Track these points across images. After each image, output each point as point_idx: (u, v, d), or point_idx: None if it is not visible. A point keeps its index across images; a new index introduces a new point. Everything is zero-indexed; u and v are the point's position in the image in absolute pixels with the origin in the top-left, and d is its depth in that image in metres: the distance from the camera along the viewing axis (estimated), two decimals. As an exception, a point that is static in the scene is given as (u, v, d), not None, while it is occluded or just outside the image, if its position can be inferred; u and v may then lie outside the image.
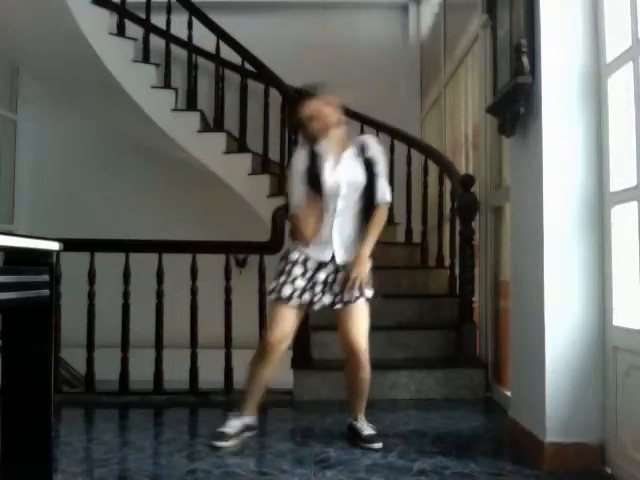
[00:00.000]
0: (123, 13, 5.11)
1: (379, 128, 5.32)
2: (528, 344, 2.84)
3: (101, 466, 2.64)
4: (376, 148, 3.00)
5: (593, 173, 2.63)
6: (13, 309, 1.91)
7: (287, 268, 2.89)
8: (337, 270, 2.89)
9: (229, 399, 3.71)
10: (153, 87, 5.12)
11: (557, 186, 2.64)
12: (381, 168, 2.96)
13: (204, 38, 5.23)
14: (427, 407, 3.72)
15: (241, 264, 5.94)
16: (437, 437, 3.10)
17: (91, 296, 3.90)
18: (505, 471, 2.61)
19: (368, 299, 2.91)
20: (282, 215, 3.78)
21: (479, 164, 4.24)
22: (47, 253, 2.05)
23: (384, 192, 2.95)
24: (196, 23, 5.17)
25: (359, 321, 2.88)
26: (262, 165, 5.11)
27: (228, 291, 3.96)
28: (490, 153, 3.98)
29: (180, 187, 6.23)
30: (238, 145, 5.22)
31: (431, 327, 4.27)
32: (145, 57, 5.14)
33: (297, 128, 3.10)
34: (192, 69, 5.26)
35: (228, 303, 3.97)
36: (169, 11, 5.21)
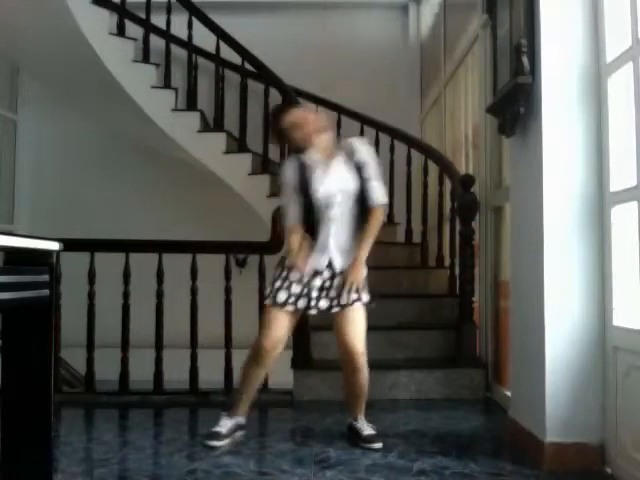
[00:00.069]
0: (123, 13, 5.11)
1: (379, 128, 5.33)
2: (528, 344, 2.84)
3: (101, 466, 2.64)
4: (364, 150, 2.95)
5: (593, 173, 2.63)
6: (13, 309, 1.91)
7: (283, 274, 2.90)
8: (333, 276, 2.89)
9: (229, 399, 3.70)
10: (153, 87, 5.11)
11: (557, 186, 2.64)
12: (372, 170, 2.92)
13: (204, 38, 5.22)
14: (427, 407, 3.72)
15: (241, 264, 5.95)
16: (437, 437, 3.10)
17: (91, 296, 3.90)
18: (505, 471, 2.61)
19: (365, 303, 2.91)
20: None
21: (479, 164, 4.24)
22: (47, 253, 2.05)
23: (377, 195, 2.92)
24: (196, 23, 5.16)
25: (356, 324, 2.87)
26: (262, 165, 5.11)
27: (228, 291, 3.96)
28: (490, 153, 3.98)
29: (180, 187, 6.23)
30: (238, 145, 5.22)
31: (431, 327, 4.27)
32: (145, 57, 5.13)
33: (281, 140, 3.04)
34: (192, 69, 5.26)
35: (228, 303, 3.97)
36: (169, 11, 5.21)
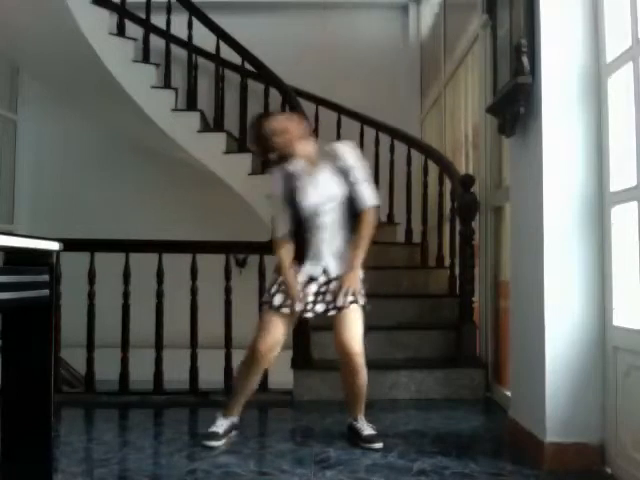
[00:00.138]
0: (123, 13, 5.11)
1: (379, 128, 5.34)
2: (528, 344, 2.84)
3: (101, 466, 2.64)
4: (348, 154, 2.92)
5: (593, 173, 2.63)
6: (13, 309, 1.91)
7: (279, 279, 2.91)
8: (329, 281, 2.90)
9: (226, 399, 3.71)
10: (153, 87, 5.11)
11: (557, 186, 2.64)
12: (358, 173, 2.90)
13: (204, 38, 5.22)
14: (427, 407, 3.72)
15: (241, 264, 5.94)
16: (437, 437, 3.09)
17: (91, 296, 3.90)
18: (505, 471, 2.61)
19: (361, 305, 2.91)
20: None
21: (479, 164, 4.24)
22: (47, 253, 2.05)
23: (366, 198, 2.90)
24: (196, 23, 5.17)
25: (353, 325, 2.87)
26: (262, 165, 5.10)
27: (228, 291, 3.96)
28: (490, 153, 3.98)
29: (180, 187, 6.23)
30: (238, 145, 5.22)
31: (431, 327, 4.27)
32: (145, 57, 5.13)
33: (261, 148, 2.96)
34: (192, 69, 5.26)
35: (228, 303, 3.97)
36: (169, 11, 5.21)
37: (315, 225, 2.89)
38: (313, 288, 2.90)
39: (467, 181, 4.08)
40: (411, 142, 5.18)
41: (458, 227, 4.22)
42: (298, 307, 2.87)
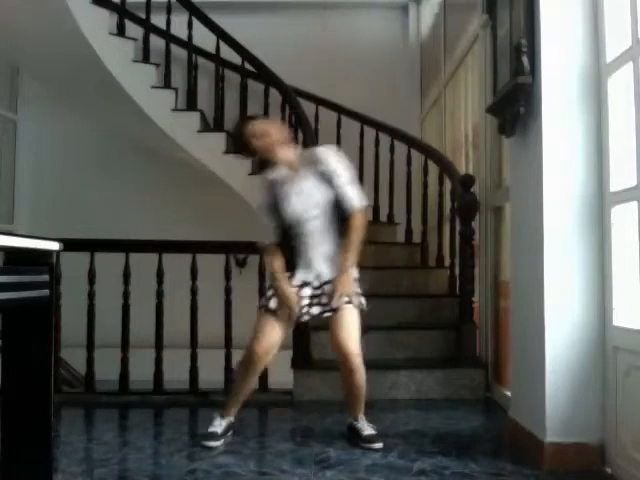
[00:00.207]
0: (123, 13, 5.11)
1: (379, 128, 5.34)
2: (528, 344, 2.84)
3: (101, 466, 2.64)
4: (329, 159, 2.91)
5: (593, 173, 2.63)
6: (13, 309, 1.91)
7: (275, 284, 2.92)
8: (323, 284, 2.91)
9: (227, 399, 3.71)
10: (153, 87, 5.11)
11: (557, 186, 2.64)
12: (342, 177, 2.88)
13: (204, 38, 5.22)
14: (427, 407, 3.72)
15: (241, 264, 5.94)
16: (437, 437, 3.09)
17: (91, 296, 3.90)
18: (505, 471, 2.61)
19: (356, 306, 2.92)
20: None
21: (479, 164, 4.24)
22: (47, 253, 2.05)
23: (352, 201, 2.88)
24: (196, 23, 5.17)
25: (349, 326, 2.87)
26: (259, 166, 5.10)
27: (228, 291, 3.97)
28: (490, 153, 3.98)
29: (180, 187, 6.23)
30: (238, 145, 5.21)
31: (431, 327, 4.27)
32: (145, 57, 5.13)
33: (247, 151, 3.00)
34: (192, 69, 5.26)
35: (228, 303, 3.97)
36: (169, 11, 5.20)
37: (302, 232, 2.91)
38: (307, 291, 2.91)
39: (467, 181, 4.08)
40: (411, 142, 5.18)
41: (458, 227, 4.22)
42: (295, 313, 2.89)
